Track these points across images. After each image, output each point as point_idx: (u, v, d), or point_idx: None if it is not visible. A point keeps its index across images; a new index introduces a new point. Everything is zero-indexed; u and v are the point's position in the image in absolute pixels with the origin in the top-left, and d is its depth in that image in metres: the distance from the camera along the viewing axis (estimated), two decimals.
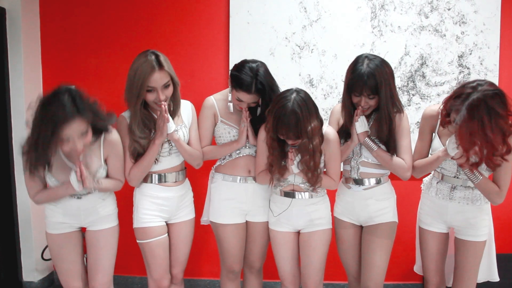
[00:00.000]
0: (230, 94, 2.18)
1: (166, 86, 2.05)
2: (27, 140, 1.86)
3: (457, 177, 2.06)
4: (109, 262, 2.16)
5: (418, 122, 2.81)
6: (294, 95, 1.95)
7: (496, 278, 2.20)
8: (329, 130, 2.10)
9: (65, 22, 3.12)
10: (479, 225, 2.06)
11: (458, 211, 2.07)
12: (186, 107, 2.25)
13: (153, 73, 2.00)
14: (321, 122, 2.05)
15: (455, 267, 2.15)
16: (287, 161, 2.05)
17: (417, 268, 2.37)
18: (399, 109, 2.10)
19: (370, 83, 1.98)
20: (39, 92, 3.10)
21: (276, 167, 2.08)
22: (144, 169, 2.14)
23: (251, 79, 2.08)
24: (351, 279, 2.31)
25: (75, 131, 1.81)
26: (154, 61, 2.00)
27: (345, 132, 2.17)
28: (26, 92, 3.01)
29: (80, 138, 1.84)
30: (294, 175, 2.10)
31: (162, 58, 2.04)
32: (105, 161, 2.08)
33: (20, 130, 2.98)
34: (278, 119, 1.96)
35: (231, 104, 2.19)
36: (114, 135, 2.06)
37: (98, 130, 1.97)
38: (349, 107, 2.13)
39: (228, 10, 2.94)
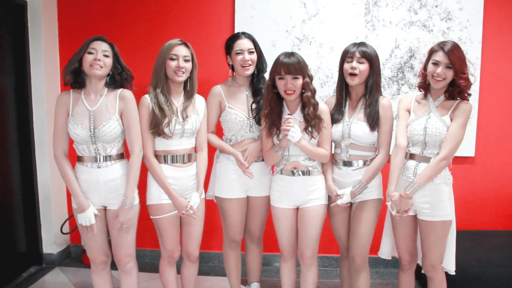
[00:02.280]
0: (230, 71, 2.53)
1: (187, 60, 2.29)
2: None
3: (422, 154, 2.21)
4: (131, 238, 2.28)
5: None
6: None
7: (451, 270, 2.24)
8: (322, 104, 2.33)
9: (80, 16, 3.27)
10: (437, 206, 2.16)
11: (420, 194, 2.17)
12: (201, 101, 2.44)
13: (177, 45, 2.29)
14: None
15: (421, 245, 2.26)
16: (283, 132, 2.21)
17: (381, 252, 2.45)
18: (381, 92, 2.34)
19: (362, 46, 2.26)
20: (57, 80, 3.32)
21: (276, 127, 2.27)
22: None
23: (239, 33, 2.49)
24: (343, 250, 2.51)
25: (100, 47, 2.17)
26: (179, 39, 2.31)
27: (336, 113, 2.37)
28: (46, 80, 3.19)
29: (101, 53, 2.16)
30: (290, 148, 2.30)
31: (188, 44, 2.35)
32: (121, 117, 2.23)
33: (41, 114, 3.18)
34: (277, 60, 2.23)
35: (230, 79, 2.52)
36: (129, 92, 2.27)
37: (115, 80, 2.25)
38: (340, 82, 2.35)
39: (234, 5, 3.14)
